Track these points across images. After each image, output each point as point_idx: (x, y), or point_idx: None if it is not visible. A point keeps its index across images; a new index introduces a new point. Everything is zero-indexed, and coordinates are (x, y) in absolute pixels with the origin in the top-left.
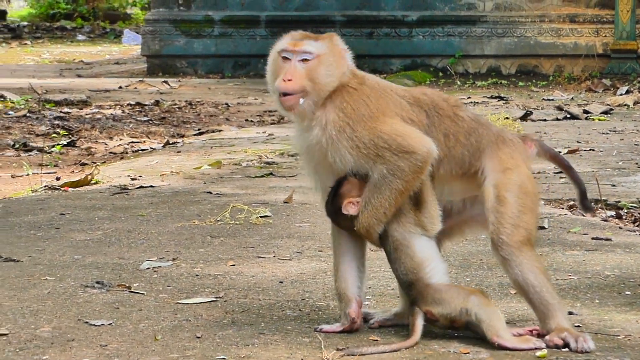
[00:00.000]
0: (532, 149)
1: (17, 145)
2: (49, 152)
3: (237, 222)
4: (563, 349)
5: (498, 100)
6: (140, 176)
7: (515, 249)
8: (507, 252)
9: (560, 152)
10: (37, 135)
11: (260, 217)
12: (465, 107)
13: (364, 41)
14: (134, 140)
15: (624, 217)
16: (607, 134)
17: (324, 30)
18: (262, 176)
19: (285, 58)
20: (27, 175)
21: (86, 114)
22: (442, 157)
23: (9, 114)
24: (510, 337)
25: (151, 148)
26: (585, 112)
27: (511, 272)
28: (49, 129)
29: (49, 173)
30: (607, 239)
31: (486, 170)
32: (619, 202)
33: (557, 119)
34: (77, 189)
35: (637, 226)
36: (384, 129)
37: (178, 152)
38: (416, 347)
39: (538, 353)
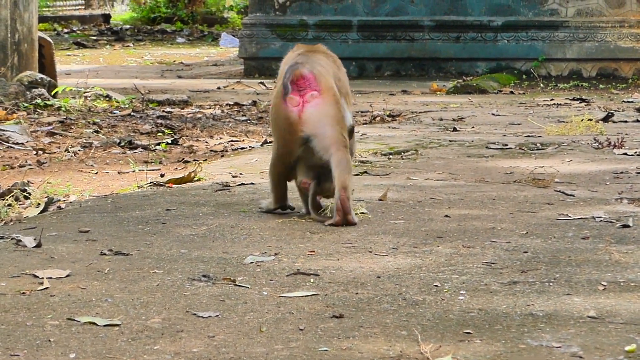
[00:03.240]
0: None
1: (122, 143)
2: (153, 150)
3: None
4: None
5: (580, 102)
6: (240, 174)
7: None
8: None
9: None
10: (142, 134)
11: (359, 213)
12: None
13: (452, 45)
14: (234, 139)
15: None
16: None
17: (413, 35)
18: (357, 174)
19: None
20: (133, 171)
21: (187, 114)
22: None
23: (115, 113)
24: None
25: (250, 146)
26: None
27: None
28: (153, 127)
29: (153, 170)
30: None
31: None
32: None
33: (637, 121)
34: (181, 185)
35: None
36: None
37: None
38: (510, 341)
39: (627, 348)
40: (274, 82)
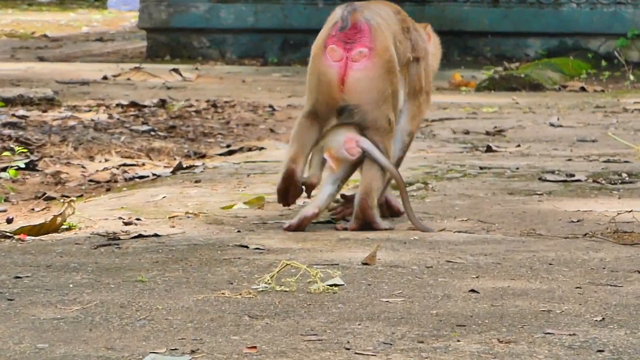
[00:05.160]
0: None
1: None
2: None
3: (290, 291)
4: None
5: None
6: (138, 219)
7: None
8: None
9: None
10: None
11: (328, 285)
12: None
13: (486, 11)
14: (128, 161)
15: None
16: None
17: None
18: (329, 222)
19: None
20: None
21: (53, 119)
22: None
23: None
24: None
25: (154, 174)
26: None
27: None
28: None
29: None
30: None
31: None
32: None
33: None
34: (40, 237)
35: None
36: None
37: (196, 181)
38: None
39: None
40: (197, 68)
